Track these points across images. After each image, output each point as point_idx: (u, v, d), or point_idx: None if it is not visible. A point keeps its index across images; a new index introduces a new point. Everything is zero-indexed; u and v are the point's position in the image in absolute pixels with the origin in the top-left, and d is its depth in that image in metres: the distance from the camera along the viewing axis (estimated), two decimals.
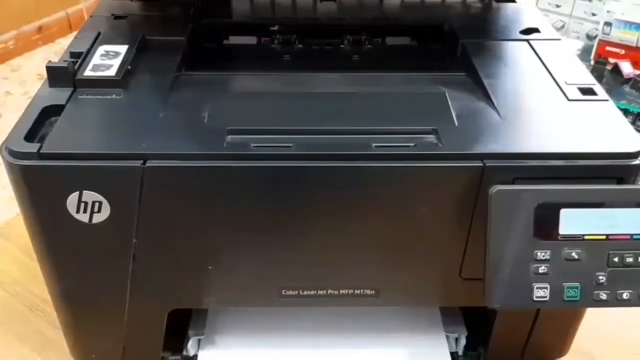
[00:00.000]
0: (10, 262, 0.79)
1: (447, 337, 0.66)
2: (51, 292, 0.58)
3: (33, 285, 0.75)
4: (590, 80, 0.59)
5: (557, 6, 2.17)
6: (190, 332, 0.65)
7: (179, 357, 0.64)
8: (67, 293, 0.57)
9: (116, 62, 0.57)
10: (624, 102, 1.89)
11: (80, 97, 0.54)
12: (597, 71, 1.98)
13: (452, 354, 0.65)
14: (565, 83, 0.58)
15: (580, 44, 2.13)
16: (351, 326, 0.67)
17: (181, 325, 0.65)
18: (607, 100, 0.56)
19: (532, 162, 0.49)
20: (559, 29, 2.16)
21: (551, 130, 0.52)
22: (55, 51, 2.68)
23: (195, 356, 0.64)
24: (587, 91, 0.57)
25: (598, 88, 0.57)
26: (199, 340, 0.65)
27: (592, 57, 2.08)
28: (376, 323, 0.67)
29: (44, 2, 2.65)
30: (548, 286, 0.49)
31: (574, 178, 0.50)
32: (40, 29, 2.69)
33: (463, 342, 0.65)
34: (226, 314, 0.67)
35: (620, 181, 0.50)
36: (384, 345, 0.66)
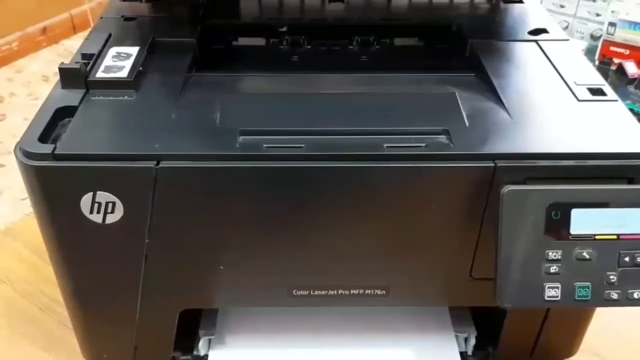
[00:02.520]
0: (19, 262, 0.80)
1: (457, 336, 0.66)
2: (63, 291, 0.58)
3: (42, 285, 0.75)
4: (599, 81, 0.59)
5: (561, 6, 2.17)
6: (201, 332, 0.65)
7: (190, 357, 0.64)
8: (79, 293, 0.57)
9: (128, 64, 0.58)
10: (628, 102, 1.89)
11: (92, 98, 0.55)
12: (602, 71, 1.97)
13: (461, 353, 0.65)
14: (575, 83, 0.58)
15: (584, 44, 2.13)
16: (360, 326, 0.67)
17: (192, 325, 0.65)
18: (616, 100, 0.56)
19: (543, 162, 0.50)
20: (563, 30, 2.15)
21: (562, 131, 0.52)
22: (59, 52, 2.68)
23: (206, 356, 0.64)
24: (597, 91, 0.57)
25: (607, 88, 0.58)
26: (210, 340, 0.65)
27: (596, 57, 2.08)
28: (385, 323, 0.67)
29: (48, 4, 2.66)
30: (559, 286, 0.50)
31: (585, 178, 0.50)
32: (44, 30, 2.70)
33: (472, 341, 0.66)
34: (236, 313, 0.68)
35: (631, 181, 0.50)
36: (393, 345, 0.66)
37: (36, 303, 0.74)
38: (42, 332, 0.70)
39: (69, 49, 2.66)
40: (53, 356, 0.68)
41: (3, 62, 2.57)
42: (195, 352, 0.65)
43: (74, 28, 2.78)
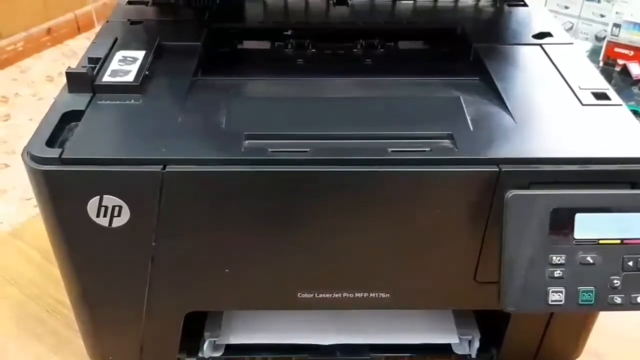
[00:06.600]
0: (26, 264, 0.80)
1: (460, 339, 0.66)
2: (70, 294, 0.59)
3: (49, 287, 0.76)
4: (603, 85, 0.59)
5: (566, 7, 2.17)
6: (206, 334, 0.65)
7: (195, 358, 0.65)
8: (85, 295, 0.57)
9: (134, 68, 0.58)
10: (632, 103, 1.89)
11: (99, 102, 0.55)
12: (606, 73, 1.98)
13: (465, 356, 0.65)
14: (579, 88, 0.58)
15: (588, 46, 2.13)
16: (365, 328, 0.67)
17: (197, 327, 0.65)
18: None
19: (547, 167, 0.50)
20: (567, 31, 2.15)
21: (566, 135, 0.53)
22: (64, 52, 2.69)
23: (211, 358, 0.65)
24: (601, 96, 0.57)
25: (611, 93, 0.58)
26: (215, 342, 0.65)
27: (600, 58, 2.08)
28: (389, 325, 0.67)
29: (53, 4, 2.67)
30: (563, 290, 0.50)
31: (589, 183, 0.50)
32: (49, 30, 2.70)
33: (476, 344, 0.66)
34: (241, 315, 0.68)
35: (634, 186, 0.50)
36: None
37: (43, 305, 0.74)
38: (49, 333, 0.71)
39: (74, 49, 2.67)
40: (60, 357, 0.68)
41: (8, 62, 2.58)
42: (200, 354, 0.65)
43: (78, 29, 2.78)
